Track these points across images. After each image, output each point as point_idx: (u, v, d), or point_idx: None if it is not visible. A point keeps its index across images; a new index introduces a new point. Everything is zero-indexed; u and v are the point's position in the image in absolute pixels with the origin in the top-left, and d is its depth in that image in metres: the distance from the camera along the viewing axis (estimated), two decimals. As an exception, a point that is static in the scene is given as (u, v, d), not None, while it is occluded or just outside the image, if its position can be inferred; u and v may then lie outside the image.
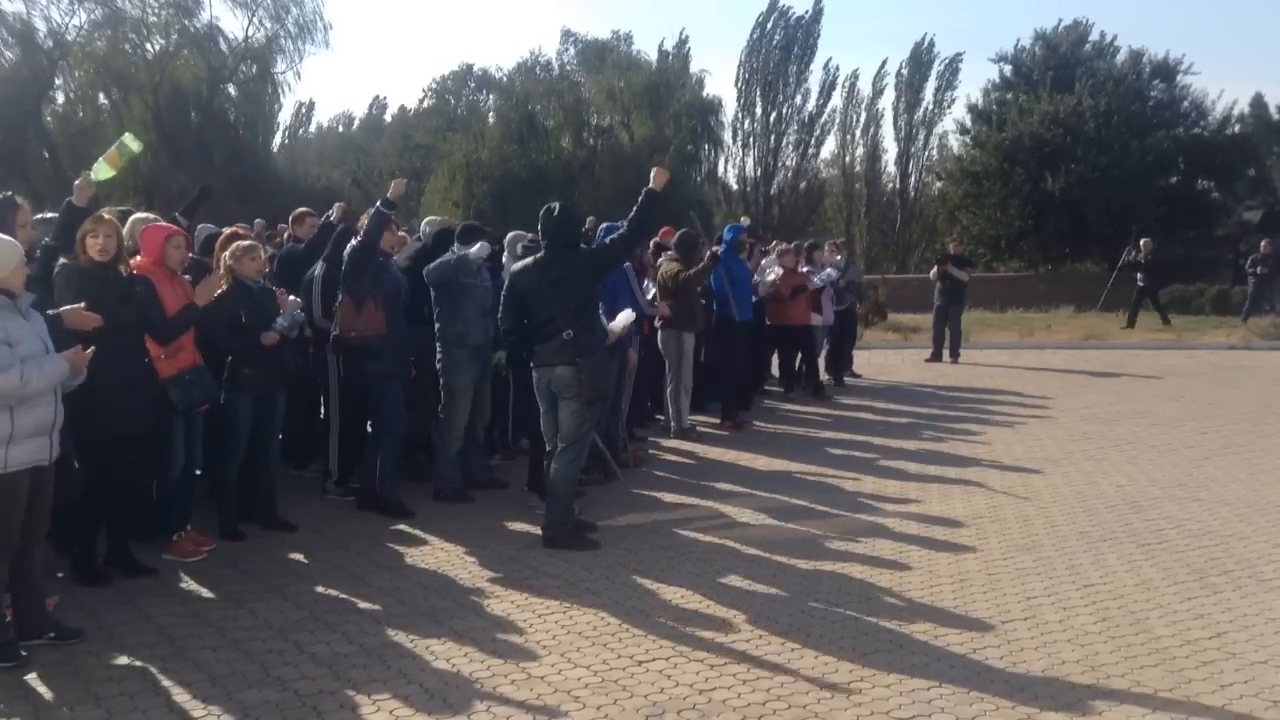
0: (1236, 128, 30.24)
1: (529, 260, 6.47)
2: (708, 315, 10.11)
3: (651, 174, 6.38)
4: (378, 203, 6.98)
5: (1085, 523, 6.77)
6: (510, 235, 8.16)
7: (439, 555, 6.25)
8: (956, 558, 6.05)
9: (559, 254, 6.29)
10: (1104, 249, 26.68)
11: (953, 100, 39.03)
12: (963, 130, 33.45)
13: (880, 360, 16.15)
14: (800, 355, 12.47)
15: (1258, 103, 29.90)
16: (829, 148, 41.85)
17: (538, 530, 6.52)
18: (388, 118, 56.79)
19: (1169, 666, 4.44)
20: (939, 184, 35.87)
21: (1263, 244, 20.60)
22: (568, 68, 45.01)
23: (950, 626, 4.94)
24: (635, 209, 6.31)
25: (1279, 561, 5.86)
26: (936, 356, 15.88)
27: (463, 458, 7.62)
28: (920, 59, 39.68)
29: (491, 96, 45.90)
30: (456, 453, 7.52)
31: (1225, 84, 77.37)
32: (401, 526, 6.83)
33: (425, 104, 50.35)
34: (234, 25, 60.84)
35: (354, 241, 6.97)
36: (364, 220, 7.26)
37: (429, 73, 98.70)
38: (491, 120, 40.20)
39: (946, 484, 7.93)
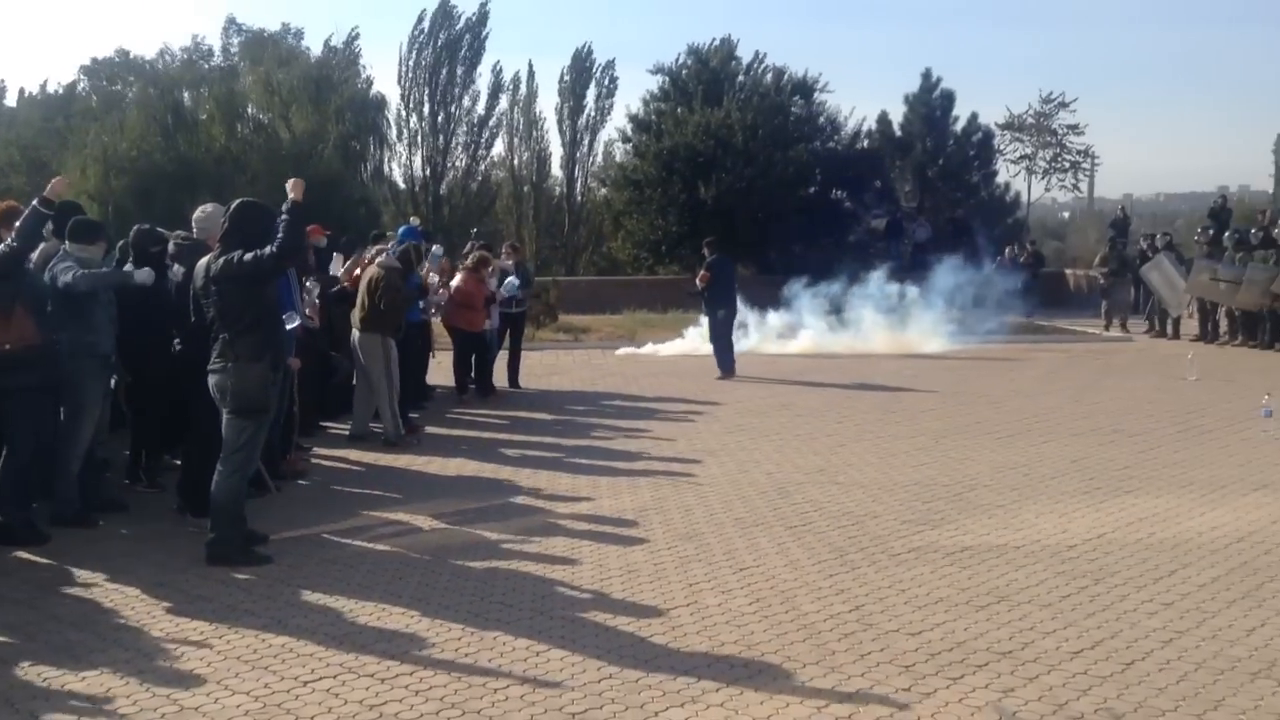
0: (865, 142, 33.16)
1: (208, 257, 6.15)
2: None
3: (288, 186, 6.09)
4: (34, 202, 6.26)
5: (740, 509, 7.19)
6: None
7: (76, 585, 5.66)
8: (625, 550, 6.24)
9: (224, 254, 5.98)
10: (753, 254, 28.39)
11: (611, 107, 40.30)
12: (625, 138, 34.58)
13: (553, 360, 16.39)
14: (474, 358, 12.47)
15: (883, 120, 32.83)
16: (498, 150, 42.05)
17: (189, 552, 6.07)
18: (10, 102, 50.97)
19: (815, 640, 4.80)
20: (604, 190, 36.91)
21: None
22: (232, 57, 42.37)
23: (619, 616, 5.09)
24: (282, 228, 5.93)
25: (907, 537, 6.50)
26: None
27: (82, 478, 6.95)
28: (581, 65, 40.63)
29: (134, 84, 42.35)
30: (77, 473, 6.85)
31: (856, 102, 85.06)
32: (28, 555, 6.13)
33: (80, 89, 45.61)
34: None
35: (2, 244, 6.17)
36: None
37: (68, 58, 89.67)
38: (133, 108, 36.96)
39: (616, 479, 8.17)
